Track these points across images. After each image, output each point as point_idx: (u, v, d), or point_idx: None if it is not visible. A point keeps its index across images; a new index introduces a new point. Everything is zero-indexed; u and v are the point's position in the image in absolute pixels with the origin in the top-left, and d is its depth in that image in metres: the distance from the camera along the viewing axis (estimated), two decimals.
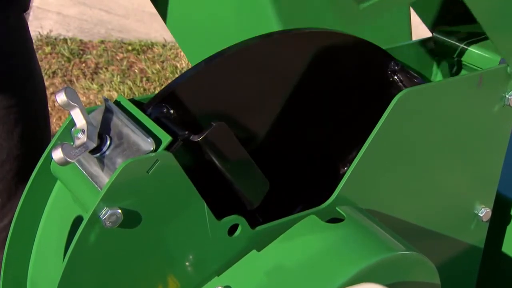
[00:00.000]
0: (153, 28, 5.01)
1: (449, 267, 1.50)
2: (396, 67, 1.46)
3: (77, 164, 1.21)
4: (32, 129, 1.85)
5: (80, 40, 4.78)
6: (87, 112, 1.17)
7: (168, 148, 1.16)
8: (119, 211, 1.11)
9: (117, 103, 1.25)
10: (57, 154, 1.11)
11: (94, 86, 4.28)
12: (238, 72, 1.32)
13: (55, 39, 4.77)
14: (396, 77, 1.47)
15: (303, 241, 1.26)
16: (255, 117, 1.36)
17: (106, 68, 4.47)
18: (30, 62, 1.87)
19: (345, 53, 1.42)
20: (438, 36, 1.61)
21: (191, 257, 1.22)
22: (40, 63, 4.28)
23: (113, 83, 4.29)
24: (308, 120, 1.42)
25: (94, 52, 4.65)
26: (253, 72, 1.34)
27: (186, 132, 1.20)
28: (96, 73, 4.43)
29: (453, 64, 1.58)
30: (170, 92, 1.26)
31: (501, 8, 1.41)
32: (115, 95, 4.12)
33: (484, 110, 1.44)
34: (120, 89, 4.23)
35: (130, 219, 1.13)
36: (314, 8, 1.65)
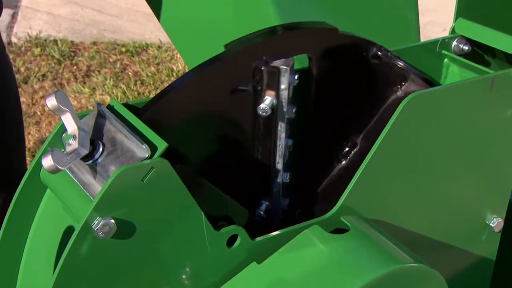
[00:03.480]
0: (147, 29, 5.01)
1: (460, 279, 1.49)
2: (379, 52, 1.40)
3: (68, 172, 1.20)
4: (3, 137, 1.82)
5: (71, 42, 4.77)
6: (78, 117, 1.16)
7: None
8: (112, 221, 1.10)
9: (110, 107, 1.24)
10: (47, 161, 1.10)
11: (86, 89, 4.26)
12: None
13: (45, 40, 4.74)
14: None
15: (306, 252, 1.24)
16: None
17: (98, 71, 4.45)
18: (1, 64, 1.85)
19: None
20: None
21: (187, 269, 1.20)
22: (29, 65, 4.29)
23: (105, 86, 4.28)
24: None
25: (86, 54, 4.63)
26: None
27: None
28: (88, 76, 4.42)
29: (463, 66, 1.56)
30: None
31: None
32: (108, 99, 4.11)
33: (496, 115, 1.43)
34: (113, 93, 4.22)
35: (124, 229, 1.12)
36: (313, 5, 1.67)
